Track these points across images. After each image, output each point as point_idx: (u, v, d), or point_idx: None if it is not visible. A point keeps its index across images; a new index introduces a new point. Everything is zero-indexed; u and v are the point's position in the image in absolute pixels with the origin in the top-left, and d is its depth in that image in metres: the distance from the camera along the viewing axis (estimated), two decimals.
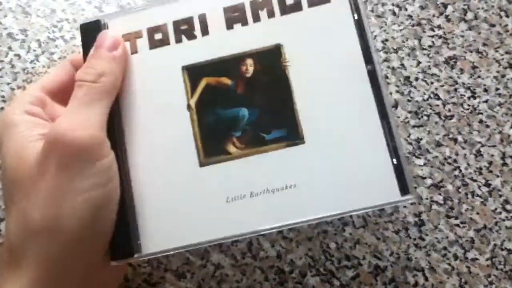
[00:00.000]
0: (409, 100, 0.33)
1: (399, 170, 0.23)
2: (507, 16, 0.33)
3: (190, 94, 0.25)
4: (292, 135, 0.24)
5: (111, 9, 0.33)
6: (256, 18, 0.25)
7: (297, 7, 0.25)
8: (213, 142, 0.25)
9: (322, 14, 0.25)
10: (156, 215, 0.24)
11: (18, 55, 0.32)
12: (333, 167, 0.24)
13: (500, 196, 0.32)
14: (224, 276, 0.30)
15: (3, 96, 0.32)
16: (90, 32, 0.26)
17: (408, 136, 0.32)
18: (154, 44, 0.26)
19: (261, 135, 0.24)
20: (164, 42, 0.26)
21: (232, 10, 0.26)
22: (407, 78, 0.33)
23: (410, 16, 0.34)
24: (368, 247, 0.31)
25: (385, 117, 0.24)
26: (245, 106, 0.25)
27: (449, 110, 0.32)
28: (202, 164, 0.24)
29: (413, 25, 0.33)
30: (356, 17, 0.25)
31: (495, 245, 0.31)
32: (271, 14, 0.25)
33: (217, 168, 0.24)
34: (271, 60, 0.25)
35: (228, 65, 0.25)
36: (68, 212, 0.21)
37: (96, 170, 0.22)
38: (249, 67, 0.25)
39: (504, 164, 0.32)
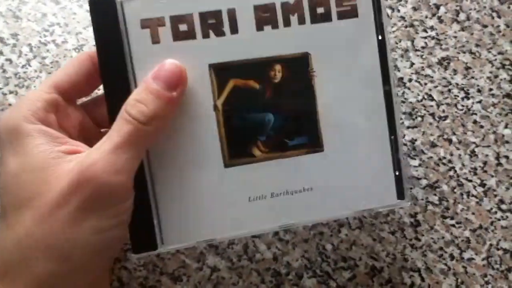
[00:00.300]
0: (403, 101, 0.33)
1: (399, 180, 0.27)
2: (499, 17, 0.34)
3: (217, 95, 0.25)
4: (313, 143, 0.26)
5: None
6: (287, 23, 0.25)
7: (327, 17, 0.25)
8: (238, 144, 0.25)
9: (349, 28, 0.25)
10: (180, 211, 0.25)
11: (10, 60, 0.32)
12: (346, 174, 0.26)
13: (495, 196, 0.32)
14: (220, 279, 0.30)
15: None
16: (102, 11, 0.24)
17: (403, 137, 0.32)
18: (178, 36, 0.24)
19: (284, 140, 0.26)
20: (190, 35, 0.24)
21: (262, 9, 0.25)
22: (400, 79, 0.33)
23: (403, 18, 0.34)
24: (364, 248, 0.31)
25: (393, 133, 0.26)
26: (271, 111, 0.25)
27: (443, 111, 0.32)
28: (227, 165, 0.25)
29: (406, 26, 0.34)
30: (380, 38, 0.26)
31: (491, 245, 0.31)
32: (301, 21, 0.25)
33: (241, 169, 0.25)
34: (299, 68, 0.25)
35: (257, 68, 0.25)
36: (81, 247, 0.21)
37: (116, 212, 0.22)
38: (278, 72, 0.25)
39: (499, 164, 0.32)
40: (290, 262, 0.30)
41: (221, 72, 0.25)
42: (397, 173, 0.26)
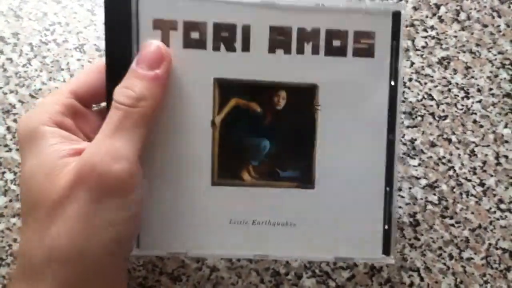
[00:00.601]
0: (403, 101, 0.33)
1: (387, 235, 0.25)
2: (500, 17, 0.34)
3: (217, 111, 0.24)
4: (304, 178, 0.25)
5: (103, 12, 0.33)
6: (300, 50, 0.24)
7: (342, 51, 0.24)
8: (229, 165, 0.25)
9: (363, 67, 0.24)
10: (159, 219, 0.24)
11: (10, 59, 0.32)
12: (333, 218, 0.25)
13: (495, 195, 0.32)
14: (219, 279, 0.30)
15: None
16: (116, 7, 0.23)
17: (403, 137, 0.32)
18: (189, 43, 0.24)
19: (276, 170, 0.25)
20: (200, 44, 0.24)
21: (278, 31, 0.24)
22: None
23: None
24: None
25: (389, 185, 0.25)
26: (268, 137, 0.25)
27: (443, 111, 0.32)
28: (214, 183, 0.25)
29: (406, 26, 0.34)
30: (392, 84, 0.25)
31: (490, 244, 0.31)
32: (315, 51, 0.24)
33: (228, 190, 0.25)
34: (304, 98, 0.24)
35: (261, 91, 0.24)
36: (95, 244, 0.21)
37: (127, 204, 0.22)
38: (282, 99, 0.24)
39: (498, 163, 0.32)
40: (289, 262, 0.30)
41: (225, 88, 0.24)
42: (386, 227, 0.25)
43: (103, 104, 0.26)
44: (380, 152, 0.25)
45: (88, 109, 0.26)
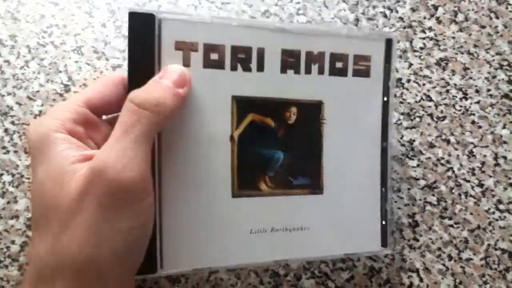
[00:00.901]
0: (401, 102, 0.33)
1: (384, 229, 0.29)
2: (497, 18, 0.34)
3: (235, 126, 0.26)
4: (314, 185, 0.27)
5: (101, 14, 0.33)
6: (308, 70, 0.27)
7: (343, 72, 0.27)
8: (248, 177, 0.26)
9: (361, 85, 0.28)
10: (183, 236, 0.25)
11: (8, 61, 0.32)
12: (339, 218, 0.28)
13: (493, 196, 0.32)
14: (218, 280, 0.30)
15: None
16: (140, 24, 0.24)
17: (401, 138, 0.32)
18: (208, 64, 0.25)
19: (289, 179, 0.27)
20: (219, 65, 0.25)
21: (289, 54, 0.26)
22: (399, 80, 0.33)
23: (401, 18, 0.34)
24: None
25: (384, 185, 0.28)
26: (282, 149, 0.27)
27: (441, 111, 0.33)
28: (234, 195, 0.26)
29: (404, 27, 0.34)
30: (385, 99, 0.28)
31: (489, 245, 0.31)
32: (321, 71, 0.27)
33: (247, 201, 0.26)
34: (311, 113, 0.27)
35: (275, 107, 0.26)
36: (106, 252, 0.21)
37: (137, 212, 0.21)
38: (292, 114, 0.27)
39: (497, 164, 0.32)
40: (289, 263, 0.30)
41: (242, 105, 0.26)
42: (383, 223, 0.28)
43: (115, 114, 0.26)
44: (375, 158, 0.28)
45: (100, 119, 0.25)
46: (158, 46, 0.24)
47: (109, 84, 0.25)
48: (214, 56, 0.25)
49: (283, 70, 0.26)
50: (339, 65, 0.27)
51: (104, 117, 0.26)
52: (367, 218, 0.28)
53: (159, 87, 0.23)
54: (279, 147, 0.27)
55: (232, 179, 0.26)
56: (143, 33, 0.24)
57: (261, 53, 0.26)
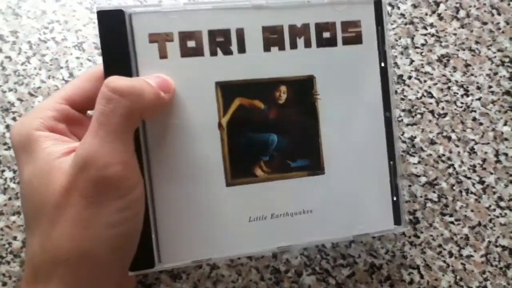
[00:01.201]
0: (402, 99, 0.33)
1: (396, 206, 0.27)
2: (499, 14, 0.34)
3: (222, 113, 0.25)
4: (314, 165, 0.26)
5: None
6: (293, 45, 0.25)
7: (332, 42, 0.26)
8: (241, 164, 0.25)
9: (354, 54, 0.26)
10: (178, 229, 0.24)
11: (9, 57, 0.32)
12: (345, 198, 0.26)
13: (494, 193, 0.32)
14: (219, 276, 0.30)
15: None
16: (110, 22, 0.23)
17: (402, 135, 0.32)
18: (186, 52, 0.24)
19: (287, 162, 0.26)
20: (198, 52, 0.24)
21: (270, 31, 0.25)
22: (400, 76, 0.33)
23: (402, 15, 0.34)
24: (363, 246, 0.31)
25: (392, 158, 0.27)
26: (275, 132, 0.25)
27: (443, 108, 0.32)
28: (229, 184, 0.25)
29: (405, 24, 0.34)
30: (382, 65, 0.26)
31: (489, 242, 0.31)
32: (307, 44, 0.26)
33: (243, 189, 0.25)
34: (303, 90, 0.26)
35: (262, 88, 0.25)
36: (98, 245, 0.21)
37: (126, 204, 0.21)
38: (283, 94, 0.25)
39: (498, 161, 0.32)
40: (290, 260, 0.30)
41: (227, 90, 0.25)
42: (394, 199, 0.27)
43: None
44: (379, 130, 0.27)
45: (82, 115, 0.25)
46: (132, 42, 0.24)
47: (90, 79, 0.25)
48: (191, 44, 0.24)
49: (267, 48, 0.25)
50: (326, 35, 0.26)
51: (89, 112, 0.26)
52: (376, 195, 0.27)
53: (140, 79, 0.22)
54: (272, 129, 0.25)
55: (225, 168, 0.25)
56: (114, 30, 0.23)
57: (240, 33, 0.25)
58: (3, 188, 0.30)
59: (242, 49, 0.25)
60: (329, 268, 0.30)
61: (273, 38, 0.25)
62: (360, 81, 0.26)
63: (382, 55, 0.26)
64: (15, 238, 0.30)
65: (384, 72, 0.26)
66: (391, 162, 0.27)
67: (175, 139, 0.24)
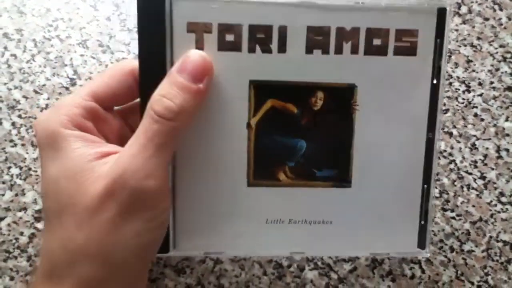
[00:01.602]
0: None
1: (422, 230, 0.26)
2: (501, 10, 0.34)
3: (253, 113, 0.24)
4: (341, 177, 0.25)
5: (106, 8, 0.33)
6: (338, 50, 0.24)
7: (382, 50, 0.24)
8: (265, 166, 0.25)
9: (404, 66, 0.24)
10: (196, 220, 0.25)
11: (14, 55, 0.32)
12: (369, 215, 0.25)
13: (496, 188, 0.32)
14: (223, 271, 0.30)
15: (0, 96, 0.32)
16: (149, 8, 0.22)
17: None
18: (224, 46, 0.23)
19: (312, 170, 0.25)
20: (236, 47, 0.23)
21: (316, 32, 0.23)
22: None
23: None
24: None
25: (427, 182, 0.25)
26: (305, 138, 0.25)
27: (444, 104, 0.33)
28: (250, 185, 0.25)
29: None
30: (434, 82, 0.24)
31: (490, 237, 0.31)
32: (354, 50, 0.24)
33: (264, 191, 0.25)
34: (342, 99, 0.24)
35: (298, 92, 0.24)
36: (122, 250, 0.21)
37: (154, 215, 0.22)
38: (319, 100, 0.24)
39: (499, 157, 0.32)
40: (292, 254, 0.31)
41: (261, 90, 0.24)
42: (422, 223, 0.25)
43: (128, 104, 0.26)
44: (419, 151, 0.25)
45: (108, 112, 0.25)
46: (170, 29, 0.23)
47: (116, 75, 0.25)
48: (229, 38, 0.23)
49: (309, 50, 0.23)
50: (377, 42, 0.23)
51: (116, 108, 0.26)
52: (403, 217, 0.25)
53: (180, 92, 0.21)
54: (302, 135, 0.24)
55: (248, 168, 0.24)
56: (153, 16, 0.22)
57: (283, 32, 0.23)
58: (10, 185, 0.31)
59: (282, 48, 0.23)
60: (331, 263, 0.31)
61: (317, 40, 0.23)
62: (406, 97, 0.24)
63: (436, 71, 0.24)
64: (21, 233, 0.30)
65: (435, 90, 0.24)
66: (425, 186, 0.25)
67: (202, 134, 0.24)
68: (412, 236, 0.26)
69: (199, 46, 0.23)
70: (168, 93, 0.21)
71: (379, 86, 0.24)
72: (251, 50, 0.23)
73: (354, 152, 0.25)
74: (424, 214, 0.25)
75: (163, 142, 0.21)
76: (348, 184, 0.25)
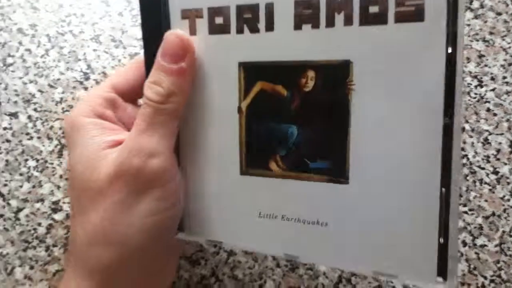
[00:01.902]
0: None
1: (443, 250, 0.20)
2: None
3: (243, 96, 0.23)
4: (337, 170, 0.21)
5: (118, 3, 0.33)
6: (330, 23, 0.20)
7: (381, 19, 0.20)
8: (257, 154, 0.23)
9: (410, 35, 0.19)
10: (199, 206, 0.25)
11: (29, 50, 0.33)
12: (370, 219, 0.21)
13: (508, 183, 0.32)
14: (236, 262, 0.30)
15: (15, 90, 0.32)
16: (150, 3, 0.23)
17: None
18: (214, 29, 0.23)
19: (305, 160, 0.22)
20: (224, 29, 0.22)
21: (304, 5, 0.21)
22: None
23: None
24: None
25: (446, 185, 0.19)
26: (296, 123, 0.22)
27: None
28: (243, 173, 0.23)
29: None
30: (449, 51, 0.19)
31: (503, 231, 0.31)
32: (348, 21, 0.20)
33: (257, 181, 0.23)
34: (335, 77, 0.21)
35: (287, 72, 0.22)
36: (137, 231, 0.22)
37: (163, 194, 0.22)
38: (310, 80, 0.21)
39: None
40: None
41: (250, 72, 0.22)
42: (441, 241, 0.19)
43: None
44: (433, 141, 0.19)
45: (127, 103, 0.27)
46: (167, 18, 0.23)
47: (134, 70, 0.26)
48: (219, 20, 0.22)
49: (298, 26, 0.21)
50: (374, 9, 0.20)
51: (139, 101, 0.28)
52: (415, 230, 0.20)
53: (165, 75, 0.22)
54: (292, 120, 0.22)
55: (241, 155, 0.23)
56: (152, 7, 0.23)
57: (270, 9, 0.21)
58: (27, 177, 0.31)
59: (270, 27, 0.22)
60: None
61: (306, 14, 0.21)
62: (415, 72, 0.19)
63: (451, 37, 0.19)
64: (39, 224, 0.31)
65: (451, 61, 0.19)
66: (443, 189, 0.19)
67: (194, 120, 0.24)
68: (429, 258, 0.20)
69: (193, 32, 0.23)
70: (156, 79, 0.22)
71: (379, 61, 0.20)
72: (239, 31, 0.22)
73: (351, 140, 0.21)
74: (444, 228, 0.19)
75: (158, 123, 0.22)
76: (345, 180, 0.21)
